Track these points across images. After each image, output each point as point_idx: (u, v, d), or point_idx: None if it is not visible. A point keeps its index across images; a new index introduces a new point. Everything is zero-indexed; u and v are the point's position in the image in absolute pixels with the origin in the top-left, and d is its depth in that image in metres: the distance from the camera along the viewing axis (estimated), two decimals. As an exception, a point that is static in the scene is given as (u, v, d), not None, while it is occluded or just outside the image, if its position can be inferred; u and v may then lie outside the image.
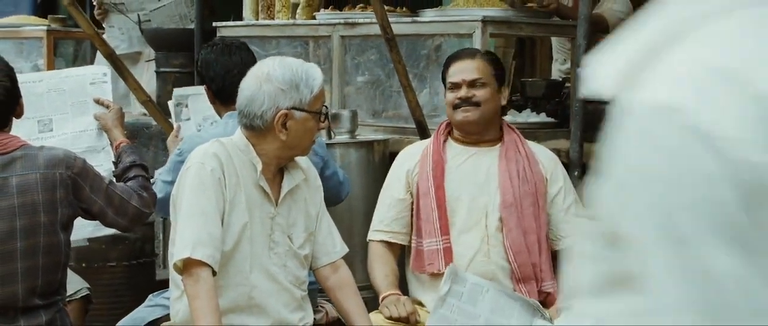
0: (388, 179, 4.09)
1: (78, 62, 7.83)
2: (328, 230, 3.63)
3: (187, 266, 3.23)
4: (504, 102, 4.01)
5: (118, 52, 7.33)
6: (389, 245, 3.99)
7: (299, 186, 3.52)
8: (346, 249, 3.70)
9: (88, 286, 4.68)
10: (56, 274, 3.59)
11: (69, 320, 3.72)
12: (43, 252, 3.52)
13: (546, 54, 6.77)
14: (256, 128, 3.36)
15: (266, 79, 3.33)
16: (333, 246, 3.63)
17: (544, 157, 4.03)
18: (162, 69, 6.73)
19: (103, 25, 7.50)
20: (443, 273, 3.77)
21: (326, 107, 3.46)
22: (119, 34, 7.44)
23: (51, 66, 7.62)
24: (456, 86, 3.93)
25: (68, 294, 4.50)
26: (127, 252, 5.68)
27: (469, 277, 3.73)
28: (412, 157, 4.04)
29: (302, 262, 3.52)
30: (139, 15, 7.20)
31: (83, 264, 5.67)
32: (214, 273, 3.25)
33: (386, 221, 3.99)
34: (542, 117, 5.28)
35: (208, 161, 3.31)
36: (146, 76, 7.32)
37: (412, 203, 3.98)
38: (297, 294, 3.49)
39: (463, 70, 3.95)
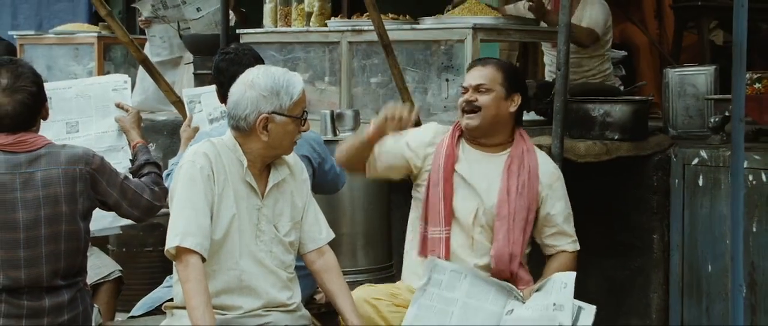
0: (415, 133, 4.05)
1: (126, 65, 8.04)
2: (314, 219, 3.73)
3: (179, 253, 3.37)
4: (513, 109, 3.99)
5: (160, 58, 7.57)
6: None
7: (285, 180, 3.63)
8: (332, 235, 3.80)
9: (120, 269, 4.83)
10: (77, 258, 3.75)
11: (89, 299, 3.87)
12: (64, 239, 3.68)
13: (548, 57, 6.85)
14: (241, 129, 3.49)
15: (250, 86, 3.46)
16: (319, 232, 3.73)
17: (546, 173, 4.04)
18: (199, 71, 6.89)
19: (146, 34, 7.70)
20: (431, 257, 3.86)
21: (303, 111, 3.55)
22: (160, 43, 7.65)
23: (101, 69, 7.86)
24: (465, 90, 4.00)
25: (102, 276, 4.69)
26: (162, 238, 5.72)
27: (448, 265, 3.81)
28: (435, 138, 4.03)
29: (288, 248, 3.63)
30: (179, 22, 7.38)
31: (123, 249, 5.88)
32: (203, 260, 3.38)
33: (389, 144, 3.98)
34: (532, 115, 5.33)
35: (198, 159, 3.44)
36: (186, 77, 7.51)
37: (412, 168, 4.02)
38: (283, 276, 3.60)
39: (473, 75, 4.01)
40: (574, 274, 3.76)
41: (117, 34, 5.58)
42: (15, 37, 8.82)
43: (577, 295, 5.26)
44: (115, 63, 8.10)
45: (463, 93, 4.00)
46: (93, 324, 3.90)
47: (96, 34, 7.96)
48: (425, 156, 4.02)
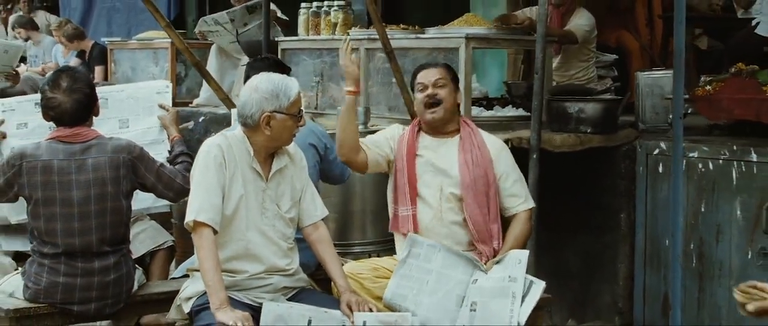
0: (383, 131, 4.29)
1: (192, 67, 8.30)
2: (311, 199, 3.91)
3: (195, 226, 3.58)
4: (459, 100, 4.20)
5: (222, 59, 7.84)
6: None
7: (287, 166, 3.81)
8: (326, 212, 3.96)
9: (173, 239, 5.02)
10: (120, 229, 4.02)
11: (132, 262, 4.15)
12: (110, 213, 3.95)
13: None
14: (248, 125, 3.69)
15: (255, 90, 3.67)
16: (315, 210, 3.90)
17: (492, 145, 4.19)
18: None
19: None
20: (411, 234, 4.03)
21: (299, 110, 3.74)
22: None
23: (173, 70, 8.12)
24: (424, 87, 4.15)
25: (158, 244, 4.91)
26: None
27: (425, 241, 3.97)
28: (398, 134, 4.22)
29: (288, 223, 3.81)
30: (236, 29, 7.65)
31: (183, 222, 6.10)
32: (215, 232, 3.59)
33: (369, 141, 4.20)
34: (520, 112, 5.48)
35: (212, 149, 3.66)
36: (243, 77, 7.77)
37: (390, 159, 4.18)
38: (284, 246, 3.79)
39: (430, 73, 4.17)
40: (527, 252, 3.91)
41: (173, 40, 5.87)
42: (107, 42, 9.19)
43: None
44: (186, 65, 8.35)
45: (421, 90, 4.15)
46: (135, 283, 4.16)
47: (170, 40, 8.20)
48: (391, 148, 4.19)
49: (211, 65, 7.87)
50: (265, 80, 3.69)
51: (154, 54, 8.43)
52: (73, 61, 9.85)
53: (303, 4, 6.43)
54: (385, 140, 4.20)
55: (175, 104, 7.50)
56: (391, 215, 4.21)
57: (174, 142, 4.45)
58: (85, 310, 3.97)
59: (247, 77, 4.55)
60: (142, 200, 4.35)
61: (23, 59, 10.80)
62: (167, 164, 4.23)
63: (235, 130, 3.80)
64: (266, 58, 4.84)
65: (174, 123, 4.54)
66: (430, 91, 4.14)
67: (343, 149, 4.11)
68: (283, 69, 4.63)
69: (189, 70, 8.26)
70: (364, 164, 4.16)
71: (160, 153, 4.38)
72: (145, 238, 4.87)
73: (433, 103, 4.12)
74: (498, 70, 7.40)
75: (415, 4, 9.53)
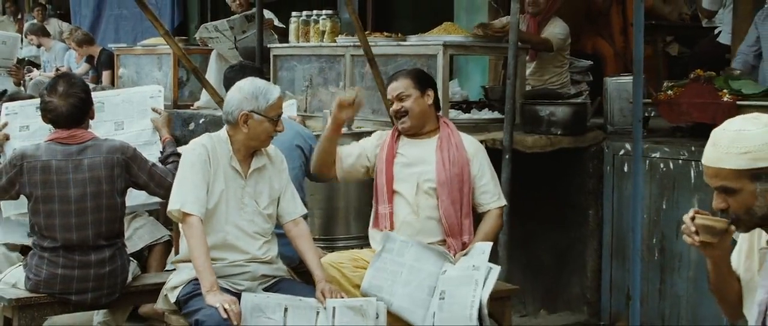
0: (365, 141, 4.38)
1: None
2: (291, 197, 4.03)
3: (183, 217, 3.73)
4: (430, 102, 4.22)
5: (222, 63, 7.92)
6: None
7: (265, 166, 3.94)
8: (305, 210, 4.10)
9: (170, 233, 5.09)
10: (115, 224, 4.15)
11: (126, 255, 4.28)
12: (105, 209, 4.08)
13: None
14: (230, 122, 3.84)
15: (238, 90, 3.83)
16: (294, 207, 4.03)
17: (470, 145, 4.28)
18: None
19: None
20: (385, 231, 4.14)
21: (278, 115, 3.85)
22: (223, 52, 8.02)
23: (175, 75, 8.19)
24: (392, 101, 4.28)
25: (155, 238, 5.04)
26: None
27: (398, 237, 4.09)
28: (380, 141, 4.32)
29: (266, 218, 3.94)
30: (235, 36, 7.75)
31: (180, 217, 6.17)
32: (201, 221, 3.73)
33: (345, 153, 4.29)
34: (496, 114, 5.57)
35: (197, 148, 3.81)
36: (242, 80, 7.86)
37: (368, 166, 4.28)
38: (261, 240, 3.92)
39: (393, 89, 4.27)
40: (491, 244, 4.04)
41: (172, 48, 5.95)
42: (114, 48, 9.29)
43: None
44: (188, 70, 8.42)
45: (392, 103, 4.27)
46: (130, 275, 4.29)
47: (172, 47, 8.30)
48: (375, 155, 4.29)
49: (211, 70, 7.96)
50: (250, 83, 3.85)
51: (157, 59, 8.51)
52: (83, 67, 10.00)
53: (294, 13, 6.53)
54: (363, 152, 4.29)
55: (177, 107, 7.78)
56: (372, 214, 4.30)
57: (165, 143, 4.55)
58: (82, 300, 4.10)
59: (225, 81, 4.70)
60: (136, 198, 4.46)
61: (37, 65, 10.96)
62: (159, 164, 4.34)
63: (221, 130, 3.93)
64: (241, 65, 4.97)
65: (165, 125, 4.64)
66: (395, 106, 4.25)
67: (316, 164, 4.27)
68: (260, 73, 4.77)
69: (191, 75, 8.32)
70: (334, 178, 4.31)
71: (152, 154, 4.49)
72: (143, 233, 5.00)
73: (400, 115, 4.23)
74: (480, 75, 7.50)
75: (406, 13, 9.65)
